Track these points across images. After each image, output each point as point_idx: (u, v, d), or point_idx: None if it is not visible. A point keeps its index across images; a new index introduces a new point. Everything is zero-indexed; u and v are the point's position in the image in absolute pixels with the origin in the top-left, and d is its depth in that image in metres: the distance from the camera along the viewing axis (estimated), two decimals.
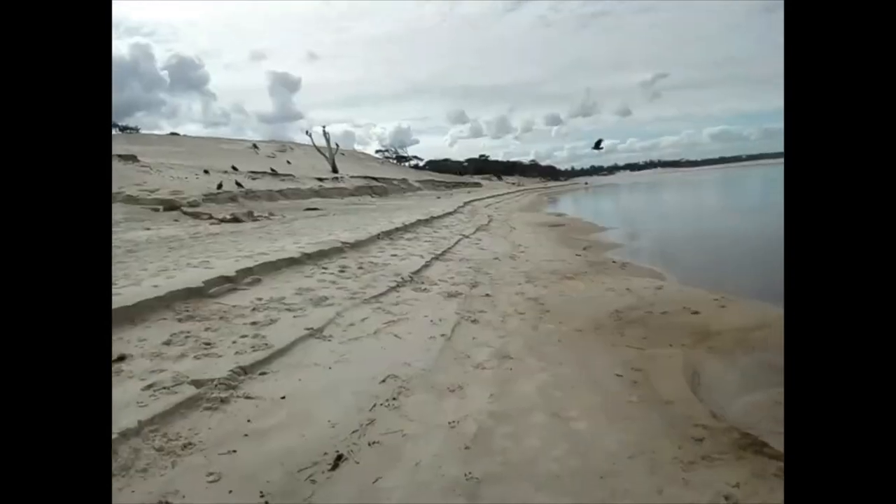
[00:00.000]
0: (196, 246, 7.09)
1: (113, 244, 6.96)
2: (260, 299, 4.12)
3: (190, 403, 2.42)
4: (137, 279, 4.35)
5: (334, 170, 31.79)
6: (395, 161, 74.72)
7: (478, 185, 57.76)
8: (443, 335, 3.64)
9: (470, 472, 1.99)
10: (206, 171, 19.22)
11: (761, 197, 23.17)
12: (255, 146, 44.52)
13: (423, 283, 5.36)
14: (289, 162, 33.64)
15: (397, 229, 9.18)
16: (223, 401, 2.49)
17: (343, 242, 6.83)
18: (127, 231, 9.09)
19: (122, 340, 3.07)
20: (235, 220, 11.55)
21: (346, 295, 4.48)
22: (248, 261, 5.13)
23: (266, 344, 3.17)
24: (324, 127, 38.05)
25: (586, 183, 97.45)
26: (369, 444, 2.19)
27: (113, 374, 2.61)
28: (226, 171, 20.46)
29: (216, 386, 2.59)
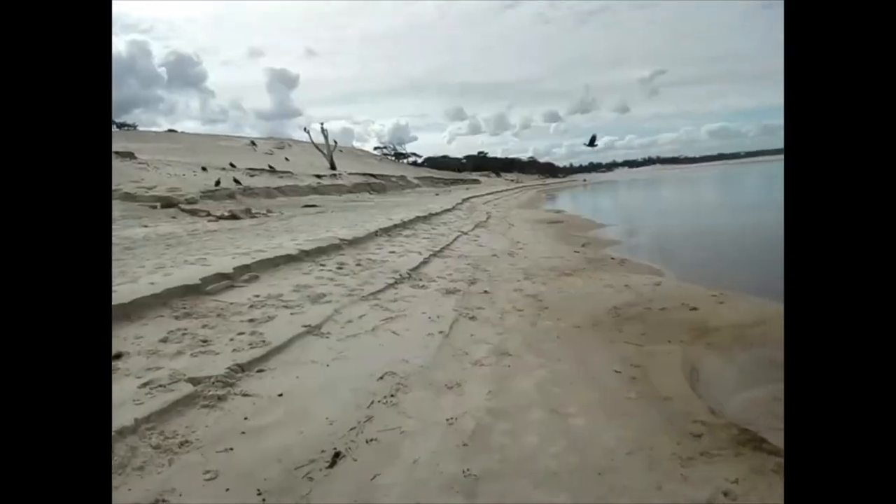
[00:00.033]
0: (193, 243, 7.07)
1: None
2: (257, 296, 4.10)
3: (187, 401, 2.40)
4: (134, 276, 4.33)
5: (332, 167, 31.69)
6: (393, 158, 74.61)
7: (476, 181, 57.74)
8: (441, 332, 3.63)
9: (468, 469, 1.99)
10: (203, 169, 19.14)
11: (759, 194, 23.18)
12: (253, 143, 44.36)
13: (421, 279, 5.35)
14: (287, 159, 33.50)
15: (395, 226, 9.16)
16: (220, 398, 2.48)
17: (341, 239, 6.81)
18: (124, 228, 9.05)
19: (119, 338, 3.05)
20: (233, 217, 11.52)
21: (344, 292, 4.46)
22: (245, 258, 5.11)
23: (263, 341, 3.16)
24: (322, 124, 37.95)
25: (584, 180, 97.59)
26: (367, 442, 2.19)
27: None
28: (224, 169, 20.38)
29: (213, 383, 2.57)
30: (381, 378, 2.81)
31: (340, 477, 1.95)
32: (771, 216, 10.51)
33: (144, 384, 2.50)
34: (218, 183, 16.17)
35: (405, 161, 76.06)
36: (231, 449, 2.09)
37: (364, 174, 31.07)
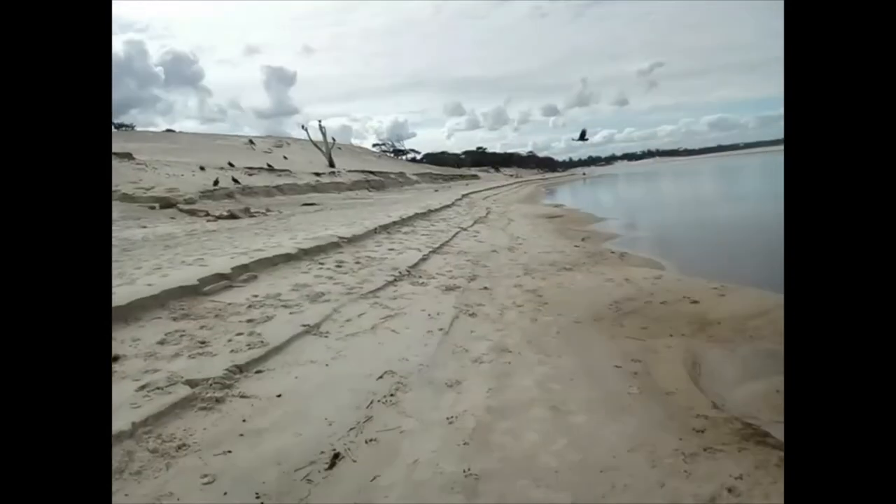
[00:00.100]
0: (192, 243, 7.04)
1: None
2: (256, 296, 4.08)
3: (184, 404, 2.39)
4: (132, 278, 4.30)
5: (331, 164, 31.62)
6: (392, 155, 74.51)
7: (475, 177, 57.66)
8: (441, 329, 3.61)
9: (468, 469, 1.97)
10: (202, 168, 19.08)
11: (758, 186, 23.11)
12: (251, 142, 44.30)
13: (420, 277, 5.33)
14: (285, 157, 33.44)
15: (394, 223, 9.14)
16: (218, 400, 2.46)
17: (340, 237, 6.79)
18: (122, 230, 9.02)
19: (116, 341, 3.03)
20: (232, 216, 11.50)
21: (343, 290, 4.44)
22: (243, 257, 5.09)
23: (262, 341, 3.14)
24: (320, 121, 37.82)
25: (584, 174, 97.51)
26: (366, 442, 2.17)
27: None
28: (222, 168, 20.32)
29: (211, 385, 2.56)
30: (381, 377, 2.79)
31: (340, 478, 1.93)
32: (769, 208, 10.48)
33: (142, 387, 2.48)
34: (216, 182, 16.14)
35: (404, 158, 75.97)
36: (229, 452, 2.07)
37: (363, 171, 31.00)
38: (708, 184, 30.31)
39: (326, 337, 3.38)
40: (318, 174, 24.61)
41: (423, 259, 6.26)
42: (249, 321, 3.52)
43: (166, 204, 12.42)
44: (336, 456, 2.05)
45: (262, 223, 10.17)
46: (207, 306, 3.79)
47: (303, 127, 39.51)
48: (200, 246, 6.67)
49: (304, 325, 3.47)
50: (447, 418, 2.37)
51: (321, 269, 5.22)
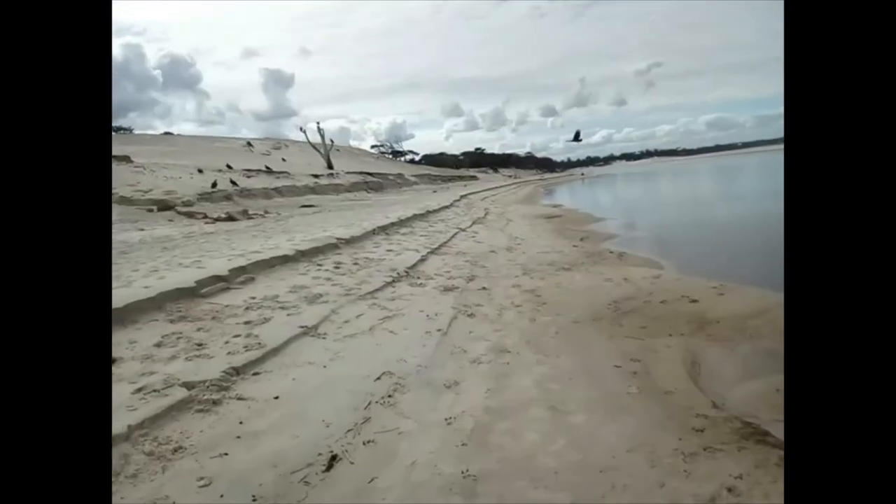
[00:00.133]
0: (189, 245, 7.03)
1: None
2: (253, 298, 4.07)
3: (181, 406, 2.37)
4: (128, 280, 4.29)
5: (329, 166, 31.60)
6: (390, 156, 74.56)
7: (474, 178, 57.69)
8: (439, 330, 3.59)
9: (467, 470, 1.95)
10: (200, 171, 19.06)
11: (757, 185, 23.13)
12: (249, 144, 44.31)
13: (418, 277, 5.32)
14: (284, 159, 33.41)
15: (393, 224, 9.12)
16: (215, 402, 2.44)
17: (338, 239, 6.78)
18: (120, 232, 9.01)
19: (113, 343, 3.01)
20: (230, 218, 11.48)
21: (341, 291, 4.43)
22: (241, 259, 5.07)
23: (259, 343, 3.12)
24: (318, 123, 37.89)
25: (583, 174, 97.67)
26: (364, 444, 2.15)
27: None
28: (220, 170, 20.30)
29: (208, 387, 2.54)
30: (379, 378, 2.77)
31: (337, 480, 1.92)
32: (768, 208, 10.48)
33: (138, 389, 2.46)
34: (214, 185, 16.12)
35: (402, 159, 76.01)
36: (226, 454, 2.05)
37: (361, 173, 30.99)
38: (706, 183, 30.35)
39: (324, 338, 3.37)
40: (316, 176, 24.60)
41: (422, 260, 6.24)
42: (247, 323, 3.50)
43: (164, 206, 12.40)
44: (333, 458, 2.04)
45: (260, 225, 10.16)
46: (204, 308, 3.77)
47: (301, 129, 39.60)
48: (198, 248, 6.66)
49: (302, 327, 3.46)
50: (445, 419, 2.36)
51: (319, 270, 5.21)
